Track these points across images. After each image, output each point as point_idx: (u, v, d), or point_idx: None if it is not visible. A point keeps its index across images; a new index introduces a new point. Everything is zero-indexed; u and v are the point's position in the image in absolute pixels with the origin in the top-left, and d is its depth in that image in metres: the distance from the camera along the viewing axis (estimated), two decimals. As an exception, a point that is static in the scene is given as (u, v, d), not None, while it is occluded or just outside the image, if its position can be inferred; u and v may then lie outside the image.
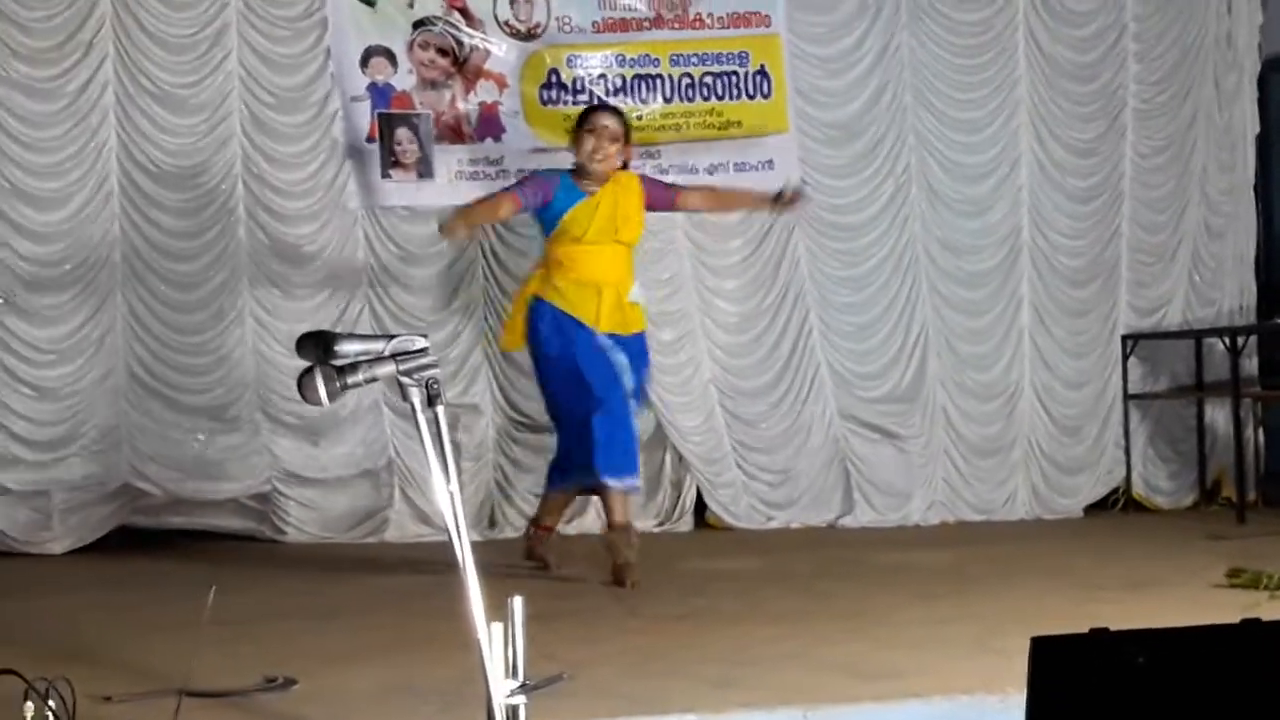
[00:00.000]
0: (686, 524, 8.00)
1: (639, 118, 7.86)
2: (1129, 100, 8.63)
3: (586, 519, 7.82)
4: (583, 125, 6.24)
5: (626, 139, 6.30)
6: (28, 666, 2.98)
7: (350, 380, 2.70)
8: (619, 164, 6.22)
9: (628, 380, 6.06)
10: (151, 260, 7.56)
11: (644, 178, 6.48)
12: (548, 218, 6.23)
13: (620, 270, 6.22)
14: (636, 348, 6.21)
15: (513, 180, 7.09)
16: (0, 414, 7.40)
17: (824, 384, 8.17)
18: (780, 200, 6.55)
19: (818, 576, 6.15)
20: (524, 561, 6.38)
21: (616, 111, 6.45)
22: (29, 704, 2.89)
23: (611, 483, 6.03)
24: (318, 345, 2.72)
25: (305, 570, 6.64)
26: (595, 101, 7.54)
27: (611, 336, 6.08)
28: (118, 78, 7.52)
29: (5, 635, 4.75)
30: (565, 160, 7.84)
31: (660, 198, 6.40)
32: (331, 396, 2.68)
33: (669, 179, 6.82)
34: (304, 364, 2.74)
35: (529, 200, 6.21)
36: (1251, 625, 2.58)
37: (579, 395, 6.01)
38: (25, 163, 7.44)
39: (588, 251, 6.14)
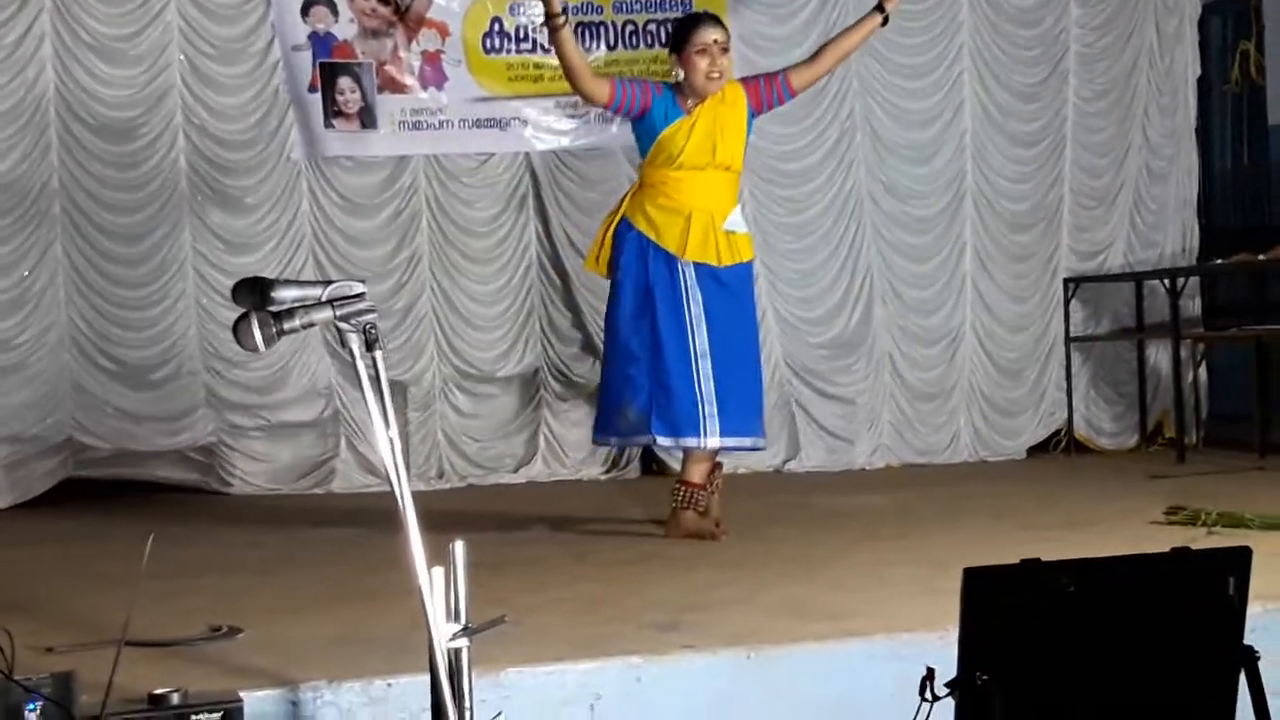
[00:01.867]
0: (634, 471, 8.03)
1: (582, 65, 7.83)
2: (1071, 45, 8.66)
3: (534, 468, 7.86)
4: (688, 45, 5.66)
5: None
6: (-32, 618, 2.97)
7: (287, 326, 2.69)
8: (729, 78, 5.73)
9: (700, 337, 5.60)
10: (92, 213, 7.50)
11: (749, 83, 5.84)
12: (642, 132, 5.75)
13: (718, 197, 5.71)
14: (734, 281, 5.72)
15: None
16: (-60, 369, 7.34)
17: (770, 330, 8.18)
18: (885, 3, 5.81)
19: (764, 521, 6.18)
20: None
21: (716, 19, 5.90)
22: (-32, 654, 2.88)
23: (665, 441, 5.75)
24: (254, 291, 2.71)
25: (251, 522, 6.63)
26: (534, 47, 7.46)
27: (700, 268, 5.65)
28: (54, 29, 7.43)
29: (-53, 590, 4.73)
30: (509, 109, 7.88)
31: (771, 93, 5.82)
32: (267, 342, 2.67)
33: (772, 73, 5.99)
34: (241, 312, 2.73)
35: (623, 95, 5.66)
36: (1180, 554, 2.63)
37: (638, 328, 5.66)
38: (-40, 116, 7.35)
39: (681, 177, 5.66)
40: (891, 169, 8.40)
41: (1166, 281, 8.16)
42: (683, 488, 5.74)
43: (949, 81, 8.46)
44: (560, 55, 5.63)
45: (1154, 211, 8.85)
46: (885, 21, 5.88)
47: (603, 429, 5.94)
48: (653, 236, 5.67)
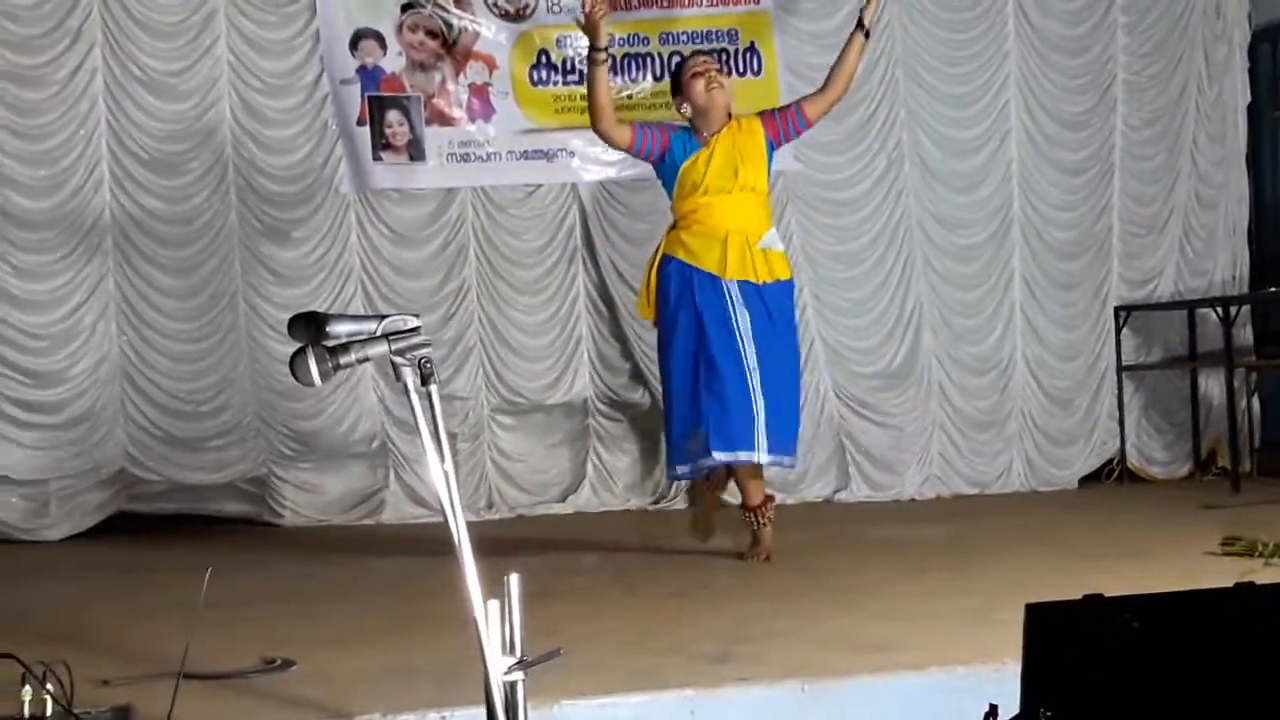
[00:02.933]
0: (682, 501, 8.01)
1: (629, 96, 7.88)
2: (1119, 73, 8.63)
3: (581, 497, 7.87)
4: (683, 76, 5.92)
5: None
6: (26, 651, 2.98)
7: (343, 360, 2.69)
8: (733, 97, 5.95)
9: (750, 352, 5.67)
10: (143, 246, 7.57)
11: (764, 115, 6.01)
12: (665, 172, 5.93)
13: (748, 218, 5.83)
14: (775, 299, 5.83)
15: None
16: (-4, 401, 7.41)
17: (819, 359, 8.17)
18: (864, 19, 5.92)
19: (814, 552, 6.15)
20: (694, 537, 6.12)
21: (707, 53, 6.17)
22: (27, 688, 2.89)
23: (721, 456, 5.72)
24: (310, 326, 2.72)
25: (302, 552, 6.65)
26: (581, 79, 7.52)
27: (744, 285, 5.75)
28: (106, 64, 7.52)
29: (3, 621, 4.76)
30: (556, 140, 7.90)
31: (787, 124, 5.97)
32: (324, 377, 2.68)
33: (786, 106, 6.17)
34: (297, 346, 2.74)
35: (644, 139, 5.85)
36: (1245, 589, 2.59)
37: (695, 359, 5.73)
38: (15, 150, 7.44)
39: (710, 203, 5.80)
40: (939, 198, 8.38)
41: (1219, 309, 8.10)
42: (752, 513, 5.92)
43: (995, 110, 8.45)
44: (591, 90, 5.81)
45: (1204, 239, 8.80)
46: (867, 35, 5.97)
47: (673, 461, 5.99)
48: (693, 263, 5.78)
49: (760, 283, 5.78)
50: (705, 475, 6.01)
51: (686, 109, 5.91)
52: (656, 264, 5.91)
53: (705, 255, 5.77)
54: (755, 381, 5.66)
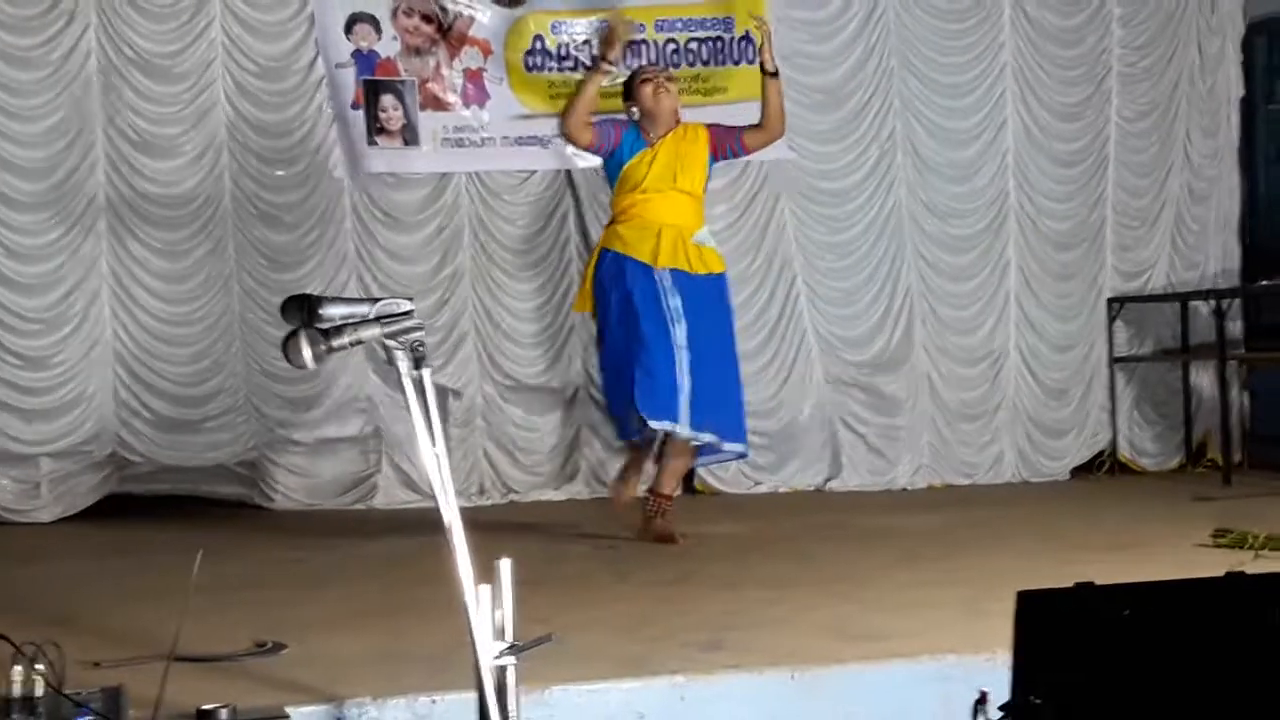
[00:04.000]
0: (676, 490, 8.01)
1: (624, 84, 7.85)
2: (1113, 64, 8.63)
3: (575, 485, 7.87)
4: (634, 83, 6.27)
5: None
6: (17, 632, 2.98)
7: (335, 343, 2.70)
8: (678, 103, 6.27)
9: (679, 331, 5.96)
10: (137, 229, 7.56)
11: (712, 127, 6.33)
12: (612, 168, 6.26)
13: (682, 215, 6.16)
14: (708, 288, 6.13)
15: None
16: (-13, 383, 7.40)
17: (810, 349, 8.18)
18: (764, 65, 6.28)
19: (806, 540, 6.17)
20: (651, 542, 6.12)
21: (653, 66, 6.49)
22: (17, 668, 2.89)
23: (654, 424, 5.96)
24: (302, 308, 2.72)
25: (294, 536, 6.65)
26: (576, 65, 7.61)
27: (675, 274, 6.04)
28: (100, 46, 7.50)
29: (-6, 603, 4.76)
30: (550, 126, 7.89)
31: (727, 144, 6.30)
32: (317, 359, 2.68)
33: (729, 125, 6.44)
34: (290, 329, 2.73)
35: (602, 138, 6.19)
36: (1235, 579, 2.60)
37: (630, 338, 6.00)
38: (9, 131, 7.42)
39: (647, 199, 6.13)
40: (932, 188, 8.39)
41: (1211, 302, 8.11)
42: (654, 500, 6.21)
43: (990, 101, 8.45)
44: (580, 92, 6.22)
45: (1195, 232, 8.81)
46: (775, 74, 6.29)
47: (621, 435, 6.40)
48: (627, 253, 6.11)
49: (693, 272, 6.09)
50: (639, 446, 6.28)
51: (635, 112, 6.23)
52: (595, 259, 6.25)
53: (639, 246, 6.08)
54: (683, 359, 5.94)
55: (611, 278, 6.12)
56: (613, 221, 6.27)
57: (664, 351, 5.94)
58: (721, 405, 6.07)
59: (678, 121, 6.24)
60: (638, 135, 6.21)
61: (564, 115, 6.30)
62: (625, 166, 6.19)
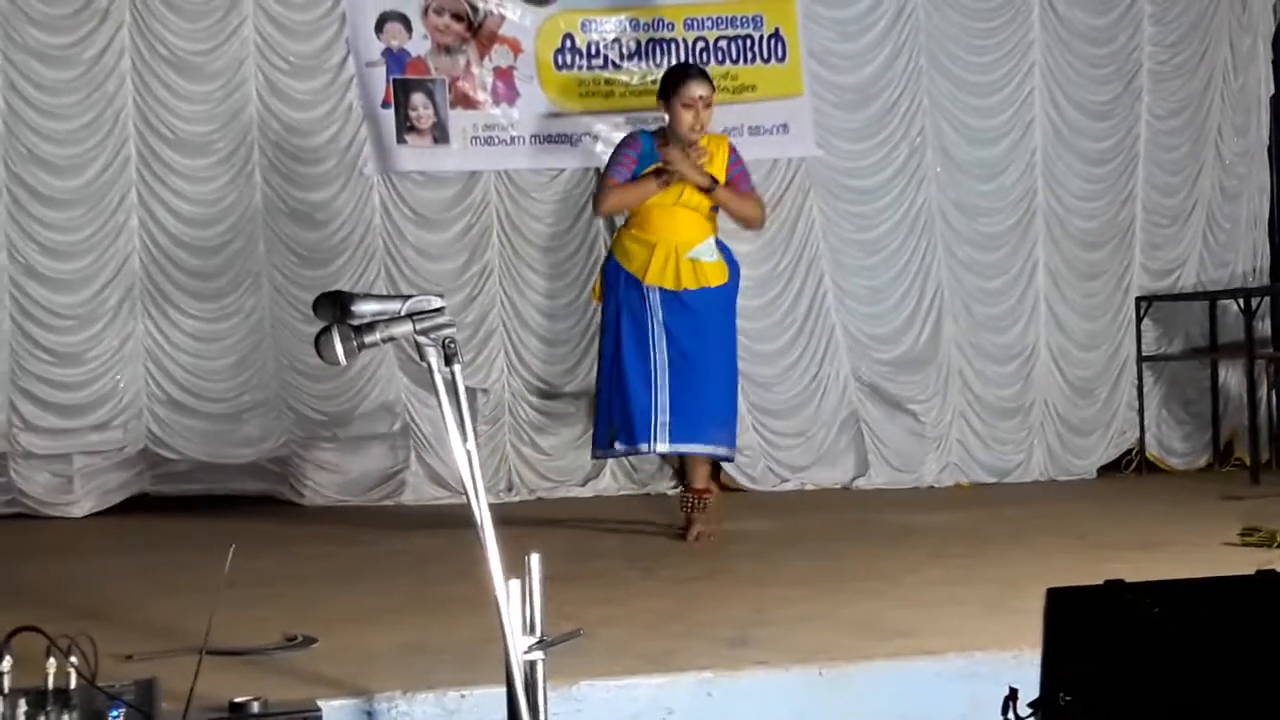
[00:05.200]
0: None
1: (653, 82, 7.86)
2: (1144, 62, 8.61)
3: (602, 481, 7.89)
4: (675, 96, 6.08)
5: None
6: (50, 625, 3.00)
7: (367, 339, 2.71)
8: (709, 123, 6.19)
9: (661, 350, 6.05)
10: (169, 226, 7.60)
11: (735, 152, 6.29)
12: (634, 174, 6.22)
13: (683, 231, 6.15)
14: (701, 303, 6.15)
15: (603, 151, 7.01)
16: (20, 378, 7.46)
17: (839, 347, 8.18)
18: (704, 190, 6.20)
19: (833, 538, 6.17)
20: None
21: (704, 74, 6.24)
22: (51, 660, 2.91)
23: (620, 447, 6.19)
24: (335, 305, 2.73)
25: (323, 532, 6.69)
26: (606, 63, 7.62)
27: (663, 292, 6.10)
28: (134, 44, 7.54)
29: (28, 595, 4.80)
30: (580, 125, 7.92)
31: (731, 175, 6.23)
32: (348, 355, 2.70)
33: (745, 177, 6.34)
34: (321, 325, 2.75)
35: (627, 179, 6.16)
36: (1267, 576, 2.60)
37: (615, 358, 6.13)
38: (43, 129, 7.48)
39: (650, 213, 6.14)
40: (961, 186, 8.38)
41: (1240, 301, 8.08)
42: (692, 496, 6.27)
43: (1019, 99, 8.43)
44: (635, 194, 6.15)
45: (1226, 230, 8.78)
46: (709, 190, 6.16)
47: (603, 443, 6.31)
48: (625, 264, 6.20)
49: (680, 289, 6.11)
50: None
51: (665, 119, 6.17)
52: (605, 261, 6.39)
53: (635, 259, 6.16)
54: (664, 380, 6.04)
55: (611, 284, 6.24)
56: (622, 226, 6.36)
57: (641, 375, 6.05)
58: (705, 418, 6.12)
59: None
60: (653, 146, 6.18)
61: (603, 204, 6.28)
62: (642, 174, 6.15)
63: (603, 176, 6.39)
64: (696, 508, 6.23)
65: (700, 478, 6.29)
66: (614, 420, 6.13)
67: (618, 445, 6.17)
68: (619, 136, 7.76)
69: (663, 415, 6.03)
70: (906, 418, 8.22)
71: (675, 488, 7.99)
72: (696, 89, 6.06)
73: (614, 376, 6.13)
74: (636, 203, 6.16)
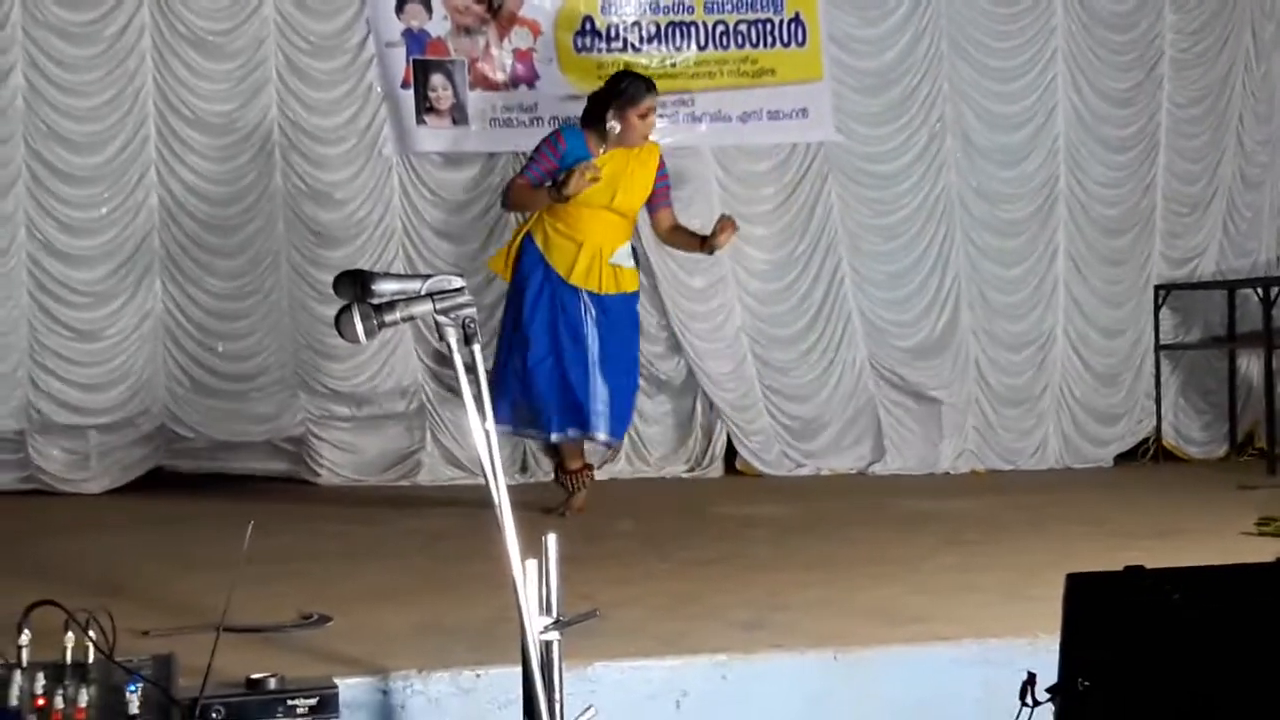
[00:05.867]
0: (717, 470, 8.04)
1: (672, 65, 7.88)
2: (1166, 49, 8.58)
3: (617, 465, 7.91)
4: (632, 107, 6.21)
5: None
6: (67, 600, 3.01)
7: (387, 318, 2.70)
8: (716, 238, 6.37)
9: (595, 347, 6.24)
10: (188, 204, 7.61)
11: (664, 164, 6.46)
12: (559, 170, 6.24)
13: (608, 234, 6.30)
14: (617, 308, 6.34)
15: (538, 137, 6.85)
16: (38, 354, 7.48)
17: (855, 332, 8.17)
18: (712, 240, 6.37)
19: (848, 523, 6.17)
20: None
21: (654, 86, 6.36)
22: (69, 634, 2.93)
23: (571, 433, 6.33)
24: (355, 284, 2.73)
25: (339, 511, 6.70)
26: (625, 46, 7.67)
27: (589, 293, 6.27)
28: (154, 22, 7.55)
29: (45, 570, 4.82)
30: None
31: (660, 196, 6.44)
32: (369, 334, 2.69)
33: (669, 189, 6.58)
34: (340, 305, 2.75)
35: (542, 178, 6.23)
36: (1286, 564, 2.59)
37: (549, 338, 6.27)
38: (63, 106, 7.48)
39: (579, 212, 6.23)
40: (982, 172, 8.35)
41: (1260, 290, 8.05)
42: (570, 477, 6.46)
43: (1041, 85, 8.41)
44: (528, 201, 6.33)
45: (1248, 219, 8.75)
46: (704, 246, 6.42)
47: (498, 416, 6.31)
48: (547, 256, 6.30)
49: (603, 293, 6.28)
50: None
51: (615, 127, 6.21)
52: (522, 235, 6.41)
53: (559, 256, 6.28)
54: (599, 374, 6.23)
55: (535, 268, 6.31)
56: (545, 212, 6.31)
57: (582, 369, 6.22)
58: (624, 411, 6.44)
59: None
60: (582, 143, 6.27)
61: (507, 199, 6.50)
62: (565, 172, 6.16)
63: (519, 172, 6.50)
64: (577, 487, 6.45)
65: (577, 457, 6.47)
66: (548, 405, 6.24)
67: (570, 432, 6.29)
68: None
69: (603, 406, 6.25)
70: (923, 404, 8.20)
71: (689, 471, 8.01)
72: (652, 100, 6.27)
73: (551, 361, 6.24)
74: (531, 210, 6.34)
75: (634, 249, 6.56)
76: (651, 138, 6.46)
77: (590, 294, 6.27)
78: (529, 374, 6.26)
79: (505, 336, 6.44)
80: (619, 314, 6.36)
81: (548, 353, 6.26)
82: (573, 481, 6.46)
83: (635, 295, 6.49)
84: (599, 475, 7.82)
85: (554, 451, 6.60)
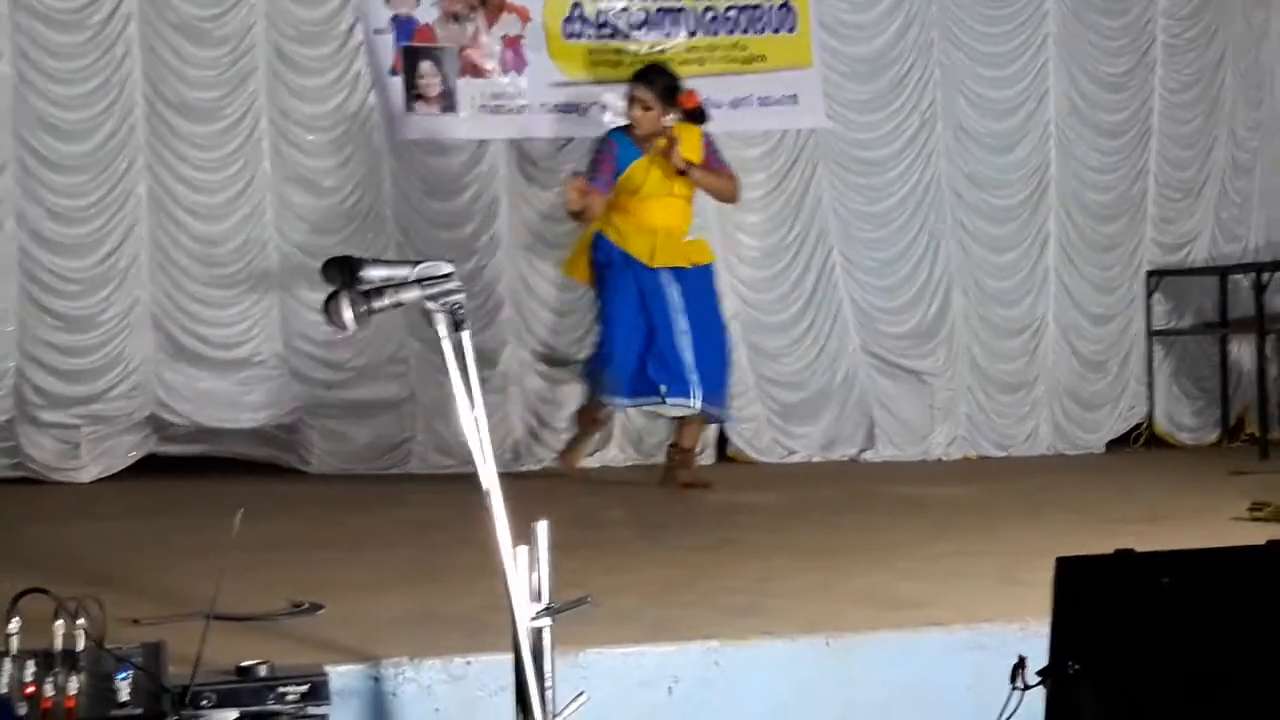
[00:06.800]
0: (709, 458, 8.02)
1: (662, 51, 7.86)
2: (1158, 35, 8.58)
3: (609, 452, 7.91)
4: (627, 100, 6.81)
5: (670, 98, 6.70)
6: (57, 589, 2.99)
7: (376, 305, 2.69)
8: (662, 125, 6.68)
9: (680, 319, 6.63)
10: (176, 192, 7.59)
11: (708, 139, 6.84)
12: (615, 174, 6.77)
13: (676, 218, 6.82)
14: (700, 278, 6.79)
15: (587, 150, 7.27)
16: (28, 343, 7.45)
17: (847, 319, 8.17)
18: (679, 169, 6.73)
19: (840, 510, 6.17)
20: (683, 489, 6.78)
21: (650, 79, 6.77)
22: (59, 622, 2.91)
23: (673, 400, 6.69)
24: (343, 270, 2.71)
25: (329, 499, 6.69)
26: (614, 32, 7.88)
27: (674, 271, 6.69)
28: (141, 10, 7.52)
29: (36, 559, 4.80)
30: (588, 94, 7.90)
31: (708, 156, 6.84)
32: (357, 320, 2.68)
33: (717, 154, 6.98)
34: (328, 291, 2.73)
35: (606, 185, 6.71)
36: (1278, 547, 2.59)
37: (641, 316, 6.67)
38: (50, 94, 7.45)
39: (645, 204, 6.71)
40: (973, 158, 8.36)
41: (1252, 276, 8.05)
42: (679, 453, 6.91)
43: (1033, 71, 8.41)
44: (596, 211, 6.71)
45: (1239, 205, 8.76)
46: (684, 173, 6.73)
47: (616, 392, 6.78)
48: (621, 245, 6.72)
49: (690, 267, 6.74)
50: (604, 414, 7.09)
51: (672, 118, 6.70)
52: (590, 234, 6.84)
53: (636, 243, 6.70)
54: (688, 344, 6.61)
55: (606, 259, 6.76)
56: (609, 210, 6.75)
57: (671, 341, 6.62)
58: (718, 378, 6.79)
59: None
60: (629, 144, 6.74)
61: (574, 212, 6.81)
62: (624, 173, 6.71)
63: (580, 174, 6.84)
64: (681, 465, 6.87)
65: (691, 437, 6.99)
66: (649, 376, 6.64)
67: (671, 400, 6.66)
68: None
69: (694, 375, 6.62)
70: (915, 391, 8.20)
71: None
72: (634, 89, 6.76)
73: (642, 337, 6.65)
74: (593, 215, 6.72)
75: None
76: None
77: (674, 272, 6.68)
78: (626, 351, 6.66)
79: (611, 318, 6.80)
80: (700, 285, 6.79)
81: (636, 330, 6.66)
82: (680, 460, 6.88)
83: (711, 266, 6.96)
84: (591, 462, 7.87)
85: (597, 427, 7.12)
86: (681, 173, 6.69)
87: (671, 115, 6.71)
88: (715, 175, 6.87)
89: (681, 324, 6.64)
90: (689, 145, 6.72)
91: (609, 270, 6.76)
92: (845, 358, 8.18)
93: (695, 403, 6.65)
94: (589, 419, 7.18)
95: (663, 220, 6.76)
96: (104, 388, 7.50)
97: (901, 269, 8.27)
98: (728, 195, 7.07)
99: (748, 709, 3.50)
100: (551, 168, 7.98)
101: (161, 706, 2.77)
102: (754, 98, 7.98)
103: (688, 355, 6.61)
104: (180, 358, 7.59)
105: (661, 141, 6.65)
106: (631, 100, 6.73)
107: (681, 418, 6.86)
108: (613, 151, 6.74)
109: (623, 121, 6.95)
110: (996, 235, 8.38)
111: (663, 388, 6.64)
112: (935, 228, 8.27)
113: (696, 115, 6.82)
